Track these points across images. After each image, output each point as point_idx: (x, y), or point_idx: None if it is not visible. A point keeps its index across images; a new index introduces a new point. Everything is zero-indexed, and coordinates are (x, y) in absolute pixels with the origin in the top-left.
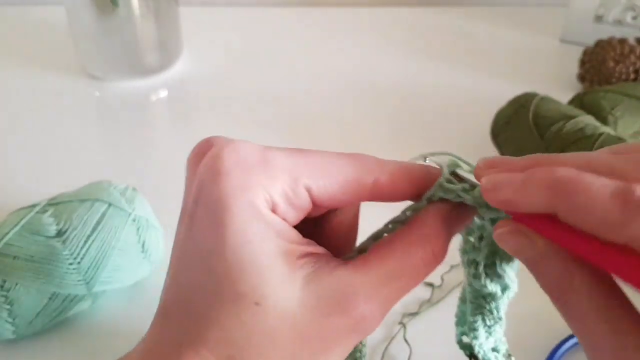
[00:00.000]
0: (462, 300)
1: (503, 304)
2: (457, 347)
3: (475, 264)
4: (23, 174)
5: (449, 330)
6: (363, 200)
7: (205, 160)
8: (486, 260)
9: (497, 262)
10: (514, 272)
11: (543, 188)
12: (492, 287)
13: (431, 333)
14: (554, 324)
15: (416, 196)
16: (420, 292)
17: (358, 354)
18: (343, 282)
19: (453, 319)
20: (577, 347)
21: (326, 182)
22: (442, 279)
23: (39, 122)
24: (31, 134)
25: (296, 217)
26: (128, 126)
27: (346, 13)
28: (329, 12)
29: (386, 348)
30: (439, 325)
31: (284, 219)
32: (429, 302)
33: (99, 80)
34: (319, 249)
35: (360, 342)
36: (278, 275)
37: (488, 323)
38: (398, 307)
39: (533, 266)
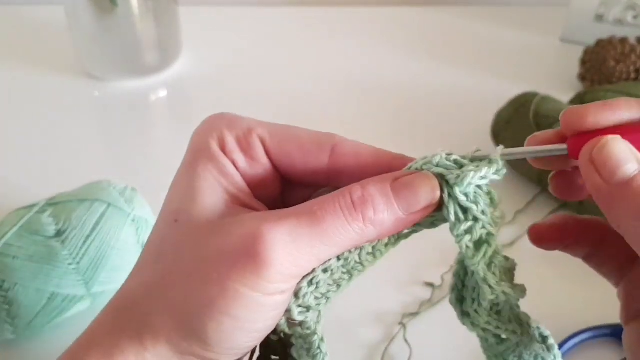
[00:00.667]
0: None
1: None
2: (457, 347)
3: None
4: (22, 173)
5: (449, 330)
6: (324, 169)
7: None
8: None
9: (470, 299)
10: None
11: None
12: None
13: (431, 333)
14: (555, 323)
15: None
16: (420, 292)
17: (317, 351)
18: (257, 215)
19: (453, 319)
20: (578, 348)
21: (282, 139)
22: (442, 279)
23: (38, 121)
24: (30, 133)
25: (250, 168)
26: (127, 126)
27: (346, 13)
28: (329, 12)
29: (386, 348)
30: (439, 325)
31: (234, 160)
32: (429, 302)
33: (98, 80)
34: (261, 208)
35: (316, 334)
36: (203, 200)
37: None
38: (398, 308)
39: (621, 192)
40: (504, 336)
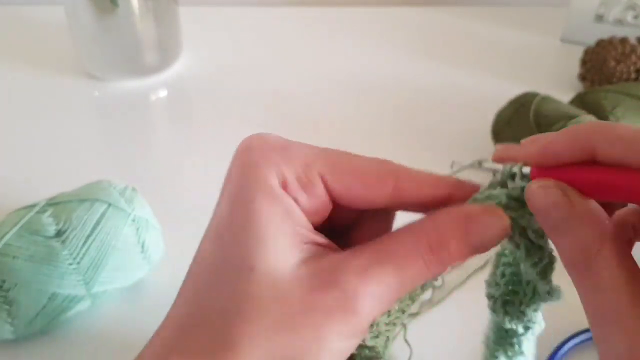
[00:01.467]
0: (489, 329)
1: (526, 340)
2: (457, 347)
3: (494, 299)
4: (22, 173)
5: (450, 330)
6: (385, 202)
7: (239, 144)
8: (506, 297)
9: (519, 303)
10: (539, 314)
11: (580, 129)
12: (512, 324)
13: (432, 333)
14: (555, 324)
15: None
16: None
17: None
18: (337, 260)
19: (453, 319)
20: (578, 348)
21: (343, 173)
22: (443, 280)
23: (38, 121)
24: (30, 133)
25: (310, 205)
26: (127, 126)
27: (346, 13)
28: (330, 12)
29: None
30: (439, 325)
31: (295, 200)
32: (430, 303)
33: (98, 80)
34: (328, 242)
35: (382, 358)
36: (277, 246)
37: (509, 354)
38: (398, 308)
39: (562, 228)
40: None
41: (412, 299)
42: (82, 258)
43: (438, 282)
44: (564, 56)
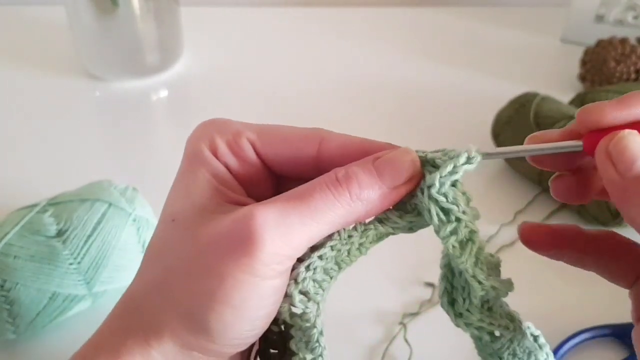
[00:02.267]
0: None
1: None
2: (457, 347)
3: (446, 305)
4: (23, 173)
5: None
6: (311, 163)
7: None
8: (452, 297)
9: (462, 299)
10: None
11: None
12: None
13: (431, 333)
14: (555, 323)
15: None
16: (420, 292)
17: (316, 344)
18: (248, 205)
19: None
20: (579, 348)
21: (270, 137)
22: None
23: (39, 121)
24: (31, 133)
25: (242, 169)
26: (128, 126)
27: (347, 13)
28: (330, 12)
29: (386, 348)
30: (439, 325)
31: (226, 163)
32: (429, 302)
33: (99, 80)
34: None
35: (315, 327)
36: (197, 201)
37: None
38: (398, 308)
39: (636, 186)
40: (497, 333)
41: (339, 264)
42: (82, 258)
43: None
44: (564, 56)
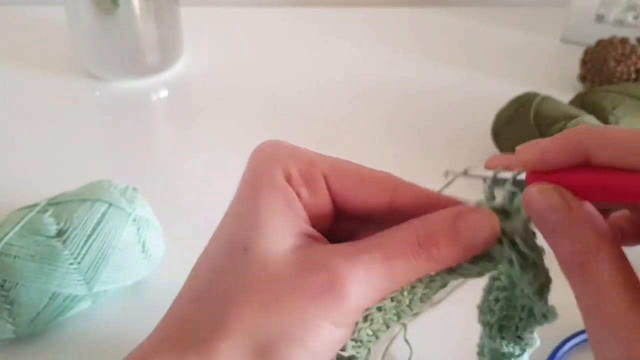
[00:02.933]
0: (484, 350)
1: (523, 358)
2: (457, 347)
3: (489, 325)
4: (23, 173)
5: (450, 330)
6: (381, 209)
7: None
8: (502, 323)
9: (515, 327)
10: (534, 334)
11: (574, 133)
12: (508, 348)
13: (432, 333)
14: (555, 324)
15: None
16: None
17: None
18: (328, 248)
19: (453, 319)
20: (578, 348)
21: (344, 175)
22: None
23: (40, 122)
24: (31, 133)
25: (312, 201)
26: (128, 126)
27: (346, 13)
28: (330, 12)
29: (387, 348)
30: (439, 325)
31: (298, 193)
32: (429, 302)
33: (99, 80)
34: (323, 239)
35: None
36: (272, 231)
37: None
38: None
39: (560, 230)
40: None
41: (398, 314)
42: (82, 258)
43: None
44: (564, 56)
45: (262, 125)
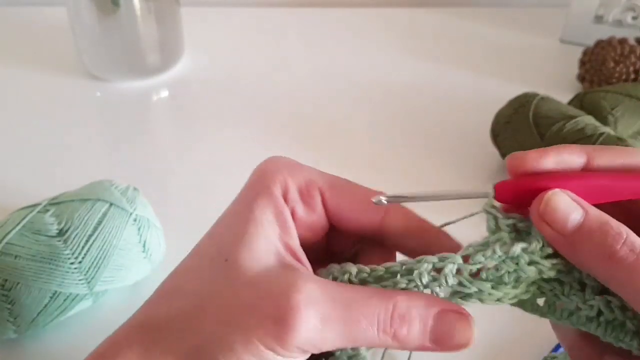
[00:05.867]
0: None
1: None
2: None
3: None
4: (24, 173)
5: None
6: (373, 229)
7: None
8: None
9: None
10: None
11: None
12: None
13: None
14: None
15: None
16: None
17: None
18: (299, 279)
19: None
20: None
21: (341, 193)
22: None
23: (40, 122)
24: (32, 133)
25: (307, 217)
26: (129, 126)
27: (347, 14)
28: (330, 13)
29: (386, 348)
30: None
31: (293, 208)
32: None
33: (100, 81)
34: (305, 262)
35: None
36: (255, 246)
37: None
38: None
39: (585, 229)
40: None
41: None
42: (83, 257)
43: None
44: (563, 57)
45: (262, 126)
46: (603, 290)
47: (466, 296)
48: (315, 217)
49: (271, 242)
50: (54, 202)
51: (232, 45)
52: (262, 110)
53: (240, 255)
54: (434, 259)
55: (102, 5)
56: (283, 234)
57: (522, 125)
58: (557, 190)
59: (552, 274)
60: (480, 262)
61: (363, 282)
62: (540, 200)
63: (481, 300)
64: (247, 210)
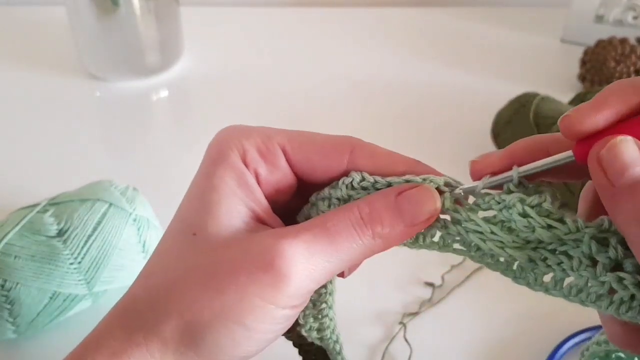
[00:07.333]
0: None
1: None
2: (457, 347)
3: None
4: (24, 173)
5: (450, 329)
6: (341, 171)
7: None
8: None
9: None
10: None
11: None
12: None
13: (431, 333)
14: (555, 323)
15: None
16: (420, 292)
17: (325, 317)
18: (273, 231)
19: (453, 320)
20: (579, 347)
21: (301, 143)
22: (443, 279)
23: (40, 122)
24: (32, 133)
25: (272, 176)
26: (129, 126)
27: (347, 13)
28: (330, 12)
29: (386, 348)
30: (439, 325)
31: (256, 170)
32: (430, 302)
33: (100, 80)
34: (276, 222)
35: (326, 290)
36: (221, 215)
37: None
38: (398, 307)
39: (626, 193)
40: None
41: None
42: (83, 257)
43: (438, 282)
44: (563, 56)
45: (261, 125)
46: (615, 267)
47: (458, 226)
48: (281, 174)
49: (235, 207)
50: (54, 202)
51: (232, 45)
52: (262, 109)
53: (207, 226)
54: (417, 178)
55: (101, 5)
56: (247, 198)
57: (522, 125)
58: (627, 137)
59: (546, 235)
60: (478, 205)
61: None
62: (603, 143)
63: (480, 245)
64: (207, 181)
